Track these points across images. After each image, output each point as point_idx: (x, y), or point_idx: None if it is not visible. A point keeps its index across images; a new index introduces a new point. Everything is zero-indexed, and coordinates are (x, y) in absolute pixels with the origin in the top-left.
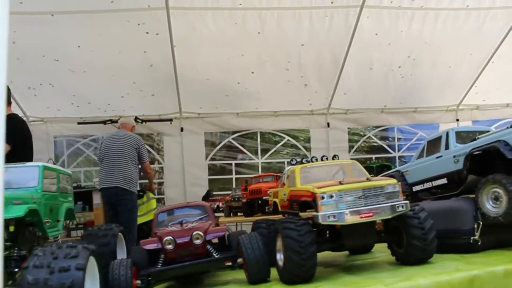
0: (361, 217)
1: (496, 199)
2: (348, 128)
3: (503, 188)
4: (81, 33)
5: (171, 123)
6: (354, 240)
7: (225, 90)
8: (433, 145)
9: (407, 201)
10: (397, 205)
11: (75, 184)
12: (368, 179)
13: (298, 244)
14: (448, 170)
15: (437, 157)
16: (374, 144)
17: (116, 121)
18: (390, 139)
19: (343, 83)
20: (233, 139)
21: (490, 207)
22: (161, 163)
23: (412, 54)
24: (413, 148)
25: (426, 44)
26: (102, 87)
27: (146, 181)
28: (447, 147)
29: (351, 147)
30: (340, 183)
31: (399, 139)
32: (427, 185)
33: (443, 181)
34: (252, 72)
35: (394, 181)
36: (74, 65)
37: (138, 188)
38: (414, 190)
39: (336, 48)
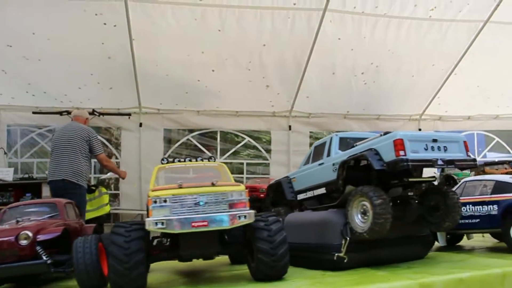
0: (193, 226)
1: (365, 213)
2: (310, 132)
3: (369, 201)
4: (36, 20)
5: (129, 117)
6: (190, 250)
7: (185, 87)
8: (319, 151)
9: (251, 211)
10: (238, 215)
11: (26, 175)
12: (212, 184)
13: (123, 251)
14: (328, 179)
15: (319, 164)
16: None
17: None
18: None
19: (305, 86)
20: (192, 137)
21: (358, 221)
22: (118, 158)
23: (375, 61)
24: None
25: (389, 52)
26: (58, 77)
27: (106, 175)
28: (328, 154)
29: None
30: (180, 186)
31: None
32: (310, 194)
33: (322, 190)
34: (213, 70)
35: (240, 187)
36: (29, 52)
37: (99, 182)
38: (299, 198)
39: (299, 50)
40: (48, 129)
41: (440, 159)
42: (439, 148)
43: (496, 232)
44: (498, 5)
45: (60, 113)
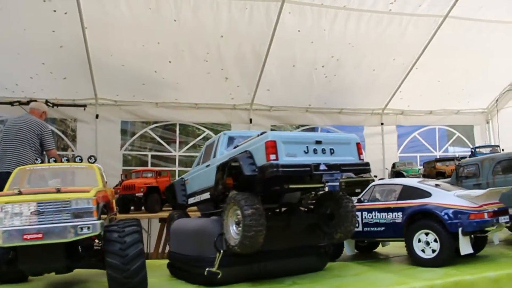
0: (24, 239)
1: (239, 223)
2: (272, 126)
3: (241, 210)
4: None
5: (84, 109)
6: (28, 265)
7: (142, 78)
8: (208, 151)
9: (98, 221)
10: (80, 226)
11: None
12: (58, 191)
13: None
14: (212, 183)
15: (206, 166)
16: None
17: (25, 103)
18: None
19: (266, 79)
20: (151, 129)
21: (233, 232)
22: (73, 151)
23: (335, 54)
24: None
25: (349, 45)
26: (7, 66)
27: None
28: (215, 155)
29: None
30: (19, 193)
31: None
32: (198, 198)
33: (207, 195)
34: (170, 61)
35: (87, 195)
36: None
37: None
38: (189, 202)
39: (258, 42)
40: None
41: (324, 163)
42: (323, 151)
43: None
44: (456, 0)
45: (11, 103)
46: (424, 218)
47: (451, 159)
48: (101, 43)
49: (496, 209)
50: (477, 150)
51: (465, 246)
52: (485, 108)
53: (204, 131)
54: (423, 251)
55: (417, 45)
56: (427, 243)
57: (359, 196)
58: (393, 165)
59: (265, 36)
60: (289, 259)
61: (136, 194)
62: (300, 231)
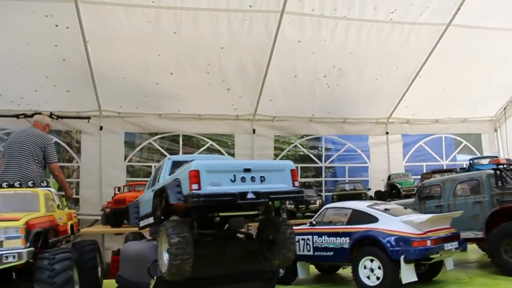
0: None
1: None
2: (275, 136)
3: (167, 238)
4: None
5: (88, 121)
6: None
7: (144, 90)
8: (156, 175)
9: (23, 250)
10: (5, 255)
11: None
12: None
13: None
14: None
15: (152, 190)
16: (301, 153)
17: (30, 116)
18: (319, 148)
19: (268, 90)
20: (154, 141)
21: (165, 259)
22: (78, 162)
23: (337, 64)
24: (342, 159)
25: (351, 55)
26: (12, 79)
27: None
28: (159, 179)
29: (276, 155)
30: None
31: (328, 149)
32: (146, 221)
33: (151, 219)
34: (171, 73)
35: (16, 223)
36: None
37: None
38: (141, 225)
39: (258, 53)
40: (4, 132)
41: (252, 191)
42: (253, 179)
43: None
44: (458, 8)
45: (17, 116)
46: (369, 244)
47: (450, 170)
48: (102, 56)
49: (442, 235)
50: (475, 161)
51: (407, 274)
52: (493, 116)
53: (207, 142)
54: (368, 277)
55: (420, 53)
56: (372, 270)
57: (312, 220)
58: (389, 177)
59: (265, 47)
60: (230, 285)
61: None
62: (239, 257)
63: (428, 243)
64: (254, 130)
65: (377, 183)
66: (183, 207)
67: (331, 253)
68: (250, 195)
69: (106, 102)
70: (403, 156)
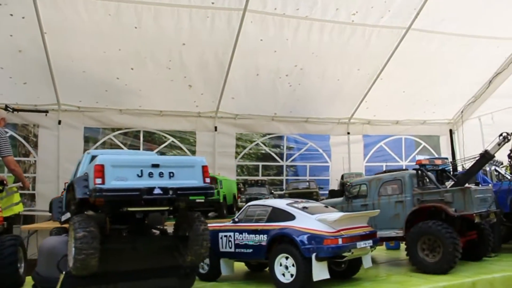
0: None
1: None
2: (237, 134)
3: (74, 233)
4: None
5: (46, 114)
6: None
7: (104, 84)
8: (77, 168)
9: None
10: None
11: None
12: None
13: None
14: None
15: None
16: (263, 151)
17: None
18: (281, 147)
19: (230, 87)
20: (115, 136)
21: (74, 253)
22: (35, 157)
23: (299, 64)
24: (303, 158)
25: (313, 55)
26: None
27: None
28: (77, 174)
29: (238, 153)
30: None
31: (290, 148)
32: (65, 216)
33: (69, 214)
34: (132, 68)
35: None
36: None
37: None
38: (62, 220)
39: (220, 50)
40: None
41: (159, 187)
42: (161, 174)
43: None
44: (418, 13)
45: None
46: (284, 242)
47: (398, 170)
48: (61, 48)
49: (355, 233)
50: None
51: (318, 272)
52: (451, 119)
53: (169, 139)
54: (283, 275)
55: (381, 56)
56: (286, 267)
57: (234, 217)
58: (342, 177)
59: (227, 45)
60: (144, 281)
61: None
62: (153, 253)
63: (340, 241)
64: (216, 128)
65: (337, 182)
66: (94, 202)
67: (251, 250)
68: (157, 191)
69: (65, 96)
70: (364, 156)
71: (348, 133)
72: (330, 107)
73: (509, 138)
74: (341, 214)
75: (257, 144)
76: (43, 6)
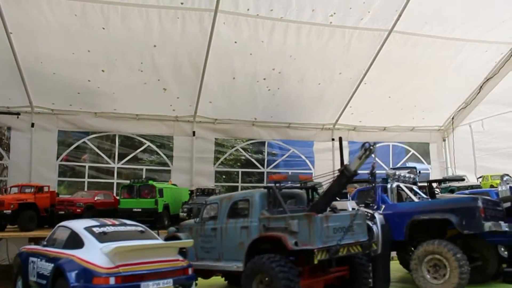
0: None
1: None
2: (216, 139)
3: None
4: None
5: (18, 117)
6: None
7: (76, 87)
8: None
9: None
10: None
11: None
12: None
13: None
14: None
15: None
16: (243, 158)
17: None
18: (264, 153)
19: (207, 91)
20: (89, 140)
21: None
22: (6, 160)
23: (276, 67)
24: (286, 165)
25: (291, 58)
26: None
27: None
28: None
29: (217, 159)
30: None
31: (273, 154)
32: None
33: None
34: (103, 70)
35: None
36: None
37: None
38: None
39: (194, 52)
40: None
41: None
42: None
43: None
44: (400, 15)
45: None
46: (62, 276)
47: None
48: (28, 49)
49: (144, 271)
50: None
51: None
52: (441, 126)
53: (145, 143)
54: None
55: (363, 59)
56: None
57: (46, 238)
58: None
59: (200, 47)
60: None
61: (5, 211)
62: None
63: (112, 280)
64: (194, 132)
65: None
66: None
67: (44, 282)
68: None
69: (37, 98)
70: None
71: (333, 139)
72: (313, 113)
73: (371, 149)
74: (114, 245)
75: (236, 150)
76: (5, 6)
